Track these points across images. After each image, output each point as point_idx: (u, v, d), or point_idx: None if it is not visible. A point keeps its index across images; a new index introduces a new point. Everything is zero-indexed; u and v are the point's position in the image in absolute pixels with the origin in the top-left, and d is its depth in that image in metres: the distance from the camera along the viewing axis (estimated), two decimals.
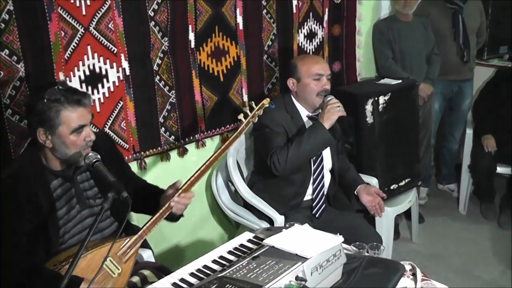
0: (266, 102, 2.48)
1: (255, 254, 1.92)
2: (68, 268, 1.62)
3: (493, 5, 4.54)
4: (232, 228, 3.39)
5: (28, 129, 2.08)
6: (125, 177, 2.28)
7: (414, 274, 2.06)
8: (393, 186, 3.63)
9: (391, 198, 3.58)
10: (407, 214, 4.02)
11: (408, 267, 2.08)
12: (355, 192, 3.06)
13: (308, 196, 2.99)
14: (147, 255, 2.46)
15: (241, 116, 2.39)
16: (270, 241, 2.00)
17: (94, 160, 2.01)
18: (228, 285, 1.73)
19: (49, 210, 2.03)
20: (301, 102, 2.96)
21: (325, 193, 3.02)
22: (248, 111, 2.40)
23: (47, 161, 2.07)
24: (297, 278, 1.74)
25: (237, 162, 3.14)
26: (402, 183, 3.68)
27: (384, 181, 3.50)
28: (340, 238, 1.98)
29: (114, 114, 2.72)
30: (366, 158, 3.52)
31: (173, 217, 2.27)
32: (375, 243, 2.18)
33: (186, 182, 2.24)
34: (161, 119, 2.92)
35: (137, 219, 2.65)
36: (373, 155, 3.53)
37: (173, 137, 3.00)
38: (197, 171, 2.28)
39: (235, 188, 3.12)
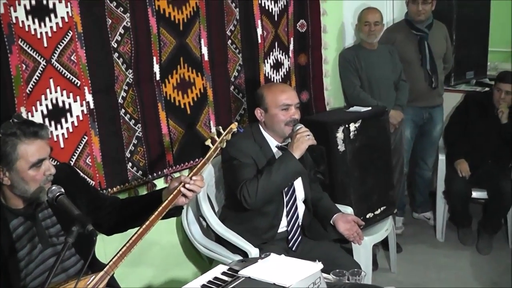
0: (234, 126, 2.49)
1: (231, 286, 1.93)
2: None
3: (456, 30, 4.71)
4: (205, 264, 3.37)
5: None
6: (98, 201, 2.27)
7: None
8: (369, 215, 3.69)
9: (368, 227, 3.62)
10: (384, 244, 4.07)
11: None
12: (331, 222, 3.07)
13: (282, 228, 3.00)
14: None
15: (208, 142, 2.39)
16: (246, 272, 2.01)
17: (58, 193, 1.99)
18: None
19: (9, 251, 1.99)
20: (269, 132, 2.99)
21: (300, 224, 3.05)
22: (216, 137, 2.42)
23: (6, 199, 2.04)
24: None
25: (208, 196, 3.15)
26: (378, 212, 3.75)
27: (359, 210, 3.55)
28: (319, 265, 2.01)
29: (79, 150, 2.72)
30: (339, 187, 3.58)
31: (177, 210, 2.27)
32: (355, 269, 2.20)
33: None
34: (127, 154, 2.93)
35: (105, 254, 2.62)
36: (346, 184, 3.59)
37: (140, 172, 3.00)
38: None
39: (206, 222, 3.13)
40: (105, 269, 2.04)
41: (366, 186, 3.68)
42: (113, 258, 2.06)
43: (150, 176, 3.05)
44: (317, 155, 2.92)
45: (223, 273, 2.08)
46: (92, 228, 1.84)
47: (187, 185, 2.20)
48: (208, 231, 3.17)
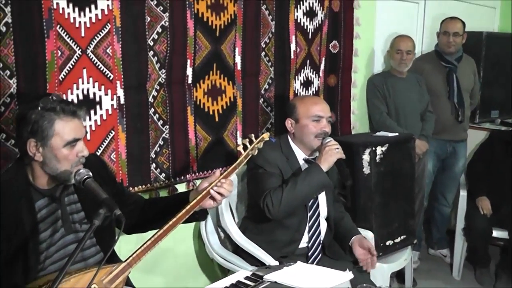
0: (266, 136, 2.42)
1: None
2: (51, 286, 1.50)
3: (484, 67, 4.64)
4: (219, 277, 3.23)
5: (18, 141, 1.99)
6: (122, 196, 2.17)
7: None
8: (389, 242, 3.55)
9: (387, 254, 3.49)
10: (398, 277, 3.92)
11: None
12: (350, 243, 2.97)
13: (303, 244, 2.88)
14: None
15: (240, 148, 2.32)
16: (272, 276, 1.90)
17: (85, 176, 1.90)
18: None
19: (32, 231, 1.89)
20: (298, 144, 2.91)
21: (321, 241, 2.93)
22: (248, 144, 2.34)
23: (34, 178, 1.95)
24: None
25: (229, 206, 3.04)
26: (398, 240, 3.60)
27: (379, 236, 3.42)
28: (349, 275, 1.90)
29: (105, 144, 2.64)
30: (361, 211, 3.45)
31: (202, 215, 2.19)
32: (383, 285, 2.09)
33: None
34: (152, 154, 2.84)
35: (120, 255, 2.51)
36: (368, 208, 3.46)
37: (163, 174, 2.90)
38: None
39: (224, 234, 3.03)
40: (127, 261, 1.93)
41: (387, 213, 3.55)
42: (136, 251, 1.96)
43: (172, 180, 2.95)
44: (344, 169, 2.81)
45: (246, 278, 1.97)
46: (120, 212, 1.74)
47: (215, 188, 2.13)
48: (225, 243, 3.05)
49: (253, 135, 2.37)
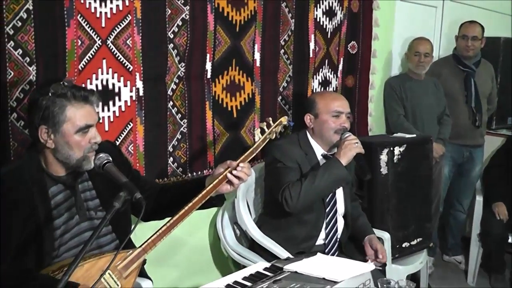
0: (284, 119, 2.36)
1: (276, 278, 1.75)
2: (66, 271, 1.45)
3: (501, 73, 4.55)
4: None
5: (29, 128, 1.94)
6: (138, 182, 2.11)
7: None
8: (405, 244, 3.46)
9: (403, 257, 3.41)
10: (413, 281, 3.79)
11: None
12: (363, 242, 2.90)
13: (320, 241, 2.82)
14: (146, 285, 2.24)
15: (257, 132, 2.26)
16: (292, 266, 1.83)
17: (106, 161, 1.86)
18: None
19: (46, 217, 1.84)
20: (317, 140, 2.84)
21: (338, 238, 2.85)
22: (265, 127, 2.27)
23: (47, 165, 1.90)
24: None
25: (246, 202, 2.97)
26: (414, 242, 3.51)
27: (395, 238, 3.34)
28: (371, 266, 1.83)
29: (123, 136, 2.58)
30: (377, 211, 3.37)
31: (219, 200, 2.14)
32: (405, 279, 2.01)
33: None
34: (170, 148, 2.78)
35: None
36: (385, 208, 3.38)
37: (180, 169, 2.84)
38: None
39: (240, 230, 2.96)
40: (142, 246, 1.89)
41: (404, 214, 3.46)
42: (152, 237, 1.91)
43: (189, 175, 2.88)
44: (363, 164, 2.74)
45: (266, 269, 1.90)
46: (140, 196, 1.68)
47: (234, 172, 2.07)
48: (240, 240, 2.98)
49: (270, 118, 2.31)
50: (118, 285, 1.82)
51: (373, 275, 2.76)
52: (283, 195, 2.62)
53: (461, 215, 4.51)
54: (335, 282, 1.60)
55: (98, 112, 1.94)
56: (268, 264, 1.92)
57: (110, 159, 1.87)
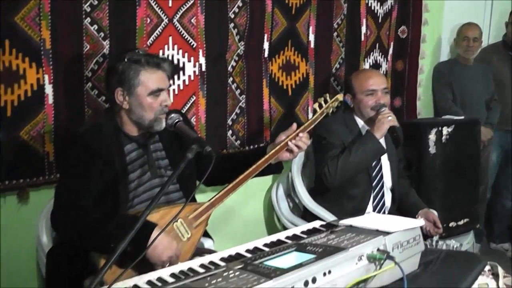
0: (340, 96, 2.40)
1: (333, 230, 1.79)
2: (143, 211, 1.51)
3: None
4: None
5: (107, 91, 2.04)
6: None
7: (493, 274, 1.89)
8: (452, 224, 3.43)
9: (450, 237, 3.37)
10: None
11: (487, 268, 1.91)
12: (416, 217, 2.88)
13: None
14: (209, 244, 2.32)
15: (316, 106, 2.31)
16: (347, 221, 1.87)
17: (177, 120, 1.95)
18: (309, 247, 1.60)
19: (122, 171, 1.94)
20: (360, 117, 2.85)
21: (386, 212, 2.86)
22: (322, 102, 2.32)
23: (122, 125, 2.00)
24: (378, 250, 1.59)
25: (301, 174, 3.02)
26: (461, 222, 3.48)
27: (442, 217, 3.28)
28: (421, 221, 1.85)
29: (186, 108, 2.67)
30: (425, 191, 3.35)
31: (277, 168, 2.19)
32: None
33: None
34: (229, 122, 2.85)
35: None
36: (433, 188, 3.36)
37: (238, 141, 2.91)
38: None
39: (293, 203, 3.01)
40: (211, 201, 1.96)
41: (452, 194, 3.43)
42: (219, 192, 1.99)
43: (247, 147, 2.95)
44: (398, 135, 2.75)
45: (322, 226, 1.94)
46: (211, 149, 1.76)
47: (294, 141, 2.13)
48: (294, 210, 3.03)
49: (327, 94, 2.36)
50: (188, 234, 1.90)
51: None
52: (323, 171, 2.66)
53: (509, 202, 4.38)
54: (388, 233, 1.63)
55: (169, 80, 2.02)
56: (323, 222, 1.96)
57: (181, 118, 1.97)
